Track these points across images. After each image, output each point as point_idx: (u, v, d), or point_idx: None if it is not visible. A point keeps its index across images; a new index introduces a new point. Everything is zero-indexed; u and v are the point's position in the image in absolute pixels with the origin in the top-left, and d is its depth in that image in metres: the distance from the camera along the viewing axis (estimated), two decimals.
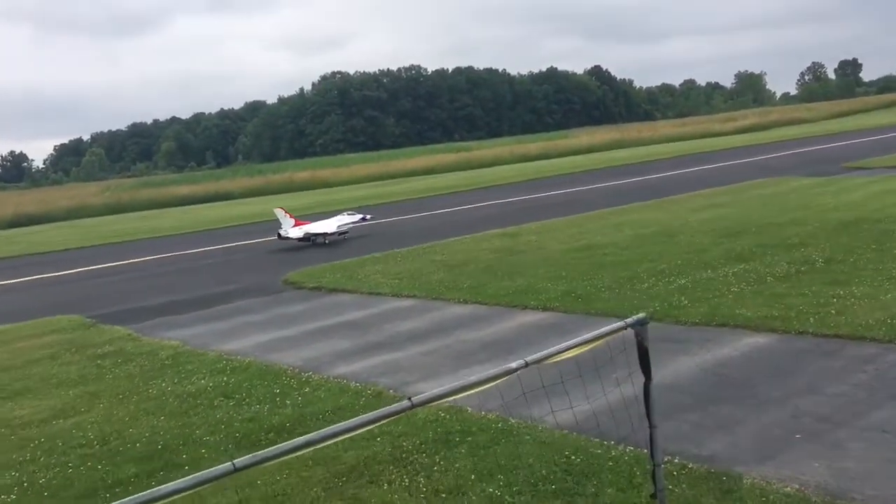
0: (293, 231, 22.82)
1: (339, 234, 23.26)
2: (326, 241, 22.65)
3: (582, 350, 4.88)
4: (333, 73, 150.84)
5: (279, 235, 23.00)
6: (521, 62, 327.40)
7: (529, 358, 4.54)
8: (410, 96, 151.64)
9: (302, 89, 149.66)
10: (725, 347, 9.31)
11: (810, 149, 43.66)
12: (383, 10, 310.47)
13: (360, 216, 23.97)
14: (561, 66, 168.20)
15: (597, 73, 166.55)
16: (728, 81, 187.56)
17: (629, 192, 30.13)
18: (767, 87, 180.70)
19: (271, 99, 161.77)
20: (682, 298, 11.81)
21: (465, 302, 13.67)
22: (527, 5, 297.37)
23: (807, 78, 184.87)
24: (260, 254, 24.06)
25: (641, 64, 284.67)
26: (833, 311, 10.02)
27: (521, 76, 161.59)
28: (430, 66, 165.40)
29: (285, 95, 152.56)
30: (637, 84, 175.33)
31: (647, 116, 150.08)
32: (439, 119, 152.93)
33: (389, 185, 52.09)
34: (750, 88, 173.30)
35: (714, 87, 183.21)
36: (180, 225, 37.84)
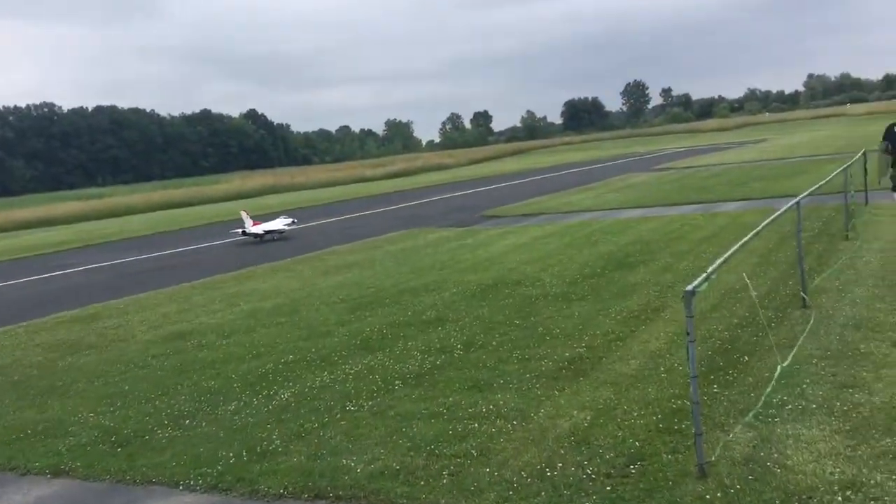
0: (254, 229, 27.39)
1: (280, 231, 27.99)
2: (275, 238, 27.41)
3: None
4: None
5: (243, 232, 27.46)
6: (172, 104, 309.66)
7: None
8: (43, 136, 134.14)
9: None
10: None
11: (452, 195, 44.19)
12: (11, 43, 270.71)
13: (292, 220, 29.00)
14: (216, 109, 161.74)
15: (253, 116, 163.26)
16: (380, 129, 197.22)
17: (265, 249, 26.15)
18: (415, 134, 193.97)
19: None
20: (275, 433, 7.94)
21: None
22: (180, 46, 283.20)
23: (447, 127, 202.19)
24: None
25: (299, 110, 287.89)
26: (474, 452, 6.88)
27: (172, 117, 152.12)
28: (67, 105, 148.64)
29: None
30: (295, 129, 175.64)
31: (306, 161, 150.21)
32: (78, 161, 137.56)
33: None
34: (399, 135, 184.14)
35: (367, 134, 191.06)
36: None
